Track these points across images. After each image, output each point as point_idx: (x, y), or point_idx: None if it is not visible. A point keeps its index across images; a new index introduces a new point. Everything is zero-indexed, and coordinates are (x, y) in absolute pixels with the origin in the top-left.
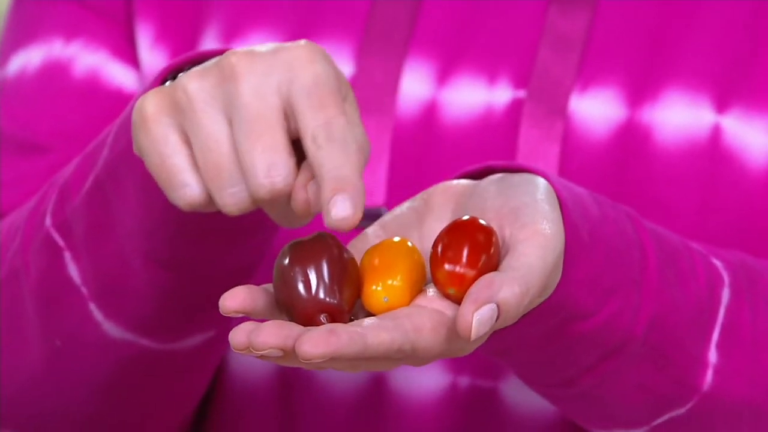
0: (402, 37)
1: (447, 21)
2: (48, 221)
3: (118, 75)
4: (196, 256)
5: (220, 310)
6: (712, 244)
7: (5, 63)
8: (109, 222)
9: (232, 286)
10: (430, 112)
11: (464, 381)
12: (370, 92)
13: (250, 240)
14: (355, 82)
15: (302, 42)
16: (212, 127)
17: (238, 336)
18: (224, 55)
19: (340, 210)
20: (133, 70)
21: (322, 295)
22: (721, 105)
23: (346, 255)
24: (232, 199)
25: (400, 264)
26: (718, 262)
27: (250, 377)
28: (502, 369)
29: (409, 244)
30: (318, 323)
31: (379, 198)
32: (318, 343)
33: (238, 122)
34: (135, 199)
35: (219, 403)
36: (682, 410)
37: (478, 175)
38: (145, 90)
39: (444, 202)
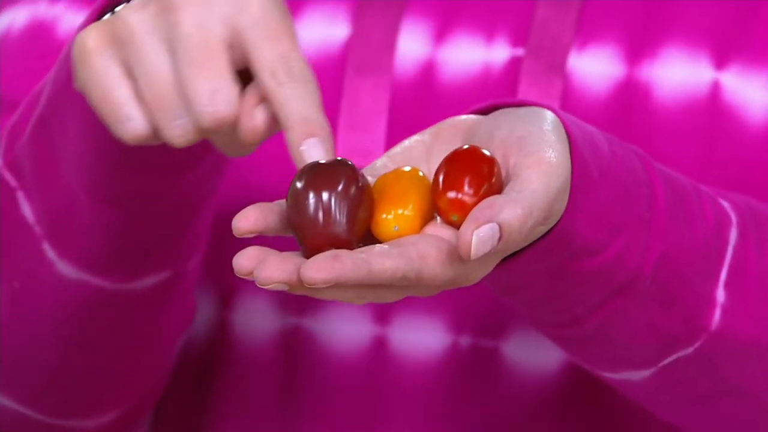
0: None
1: None
2: (0, 161)
3: None
4: (139, 191)
5: (233, 231)
6: None
7: None
8: (55, 158)
9: (182, 224)
10: (427, 71)
11: (466, 340)
12: (368, 52)
13: (193, 173)
14: (352, 43)
15: None
16: (155, 58)
17: (242, 261)
18: None
19: (314, 155)
20: None
21: (332, 227)
22: (720, 61)
23: (361, 182)
24: (178, 131)
25: (412, 193)
26: (725, 203)
27: (252, 337)
28: (503, 328)
29: (421, 173)
30: None
31: (377, 157)
32: (322, 268)
33: (179, 52)
34: (76, 134)
35: (222, 362)
36: (689, 350)
37: (485, 112)
38: (84, 24)
39: (452, 135)
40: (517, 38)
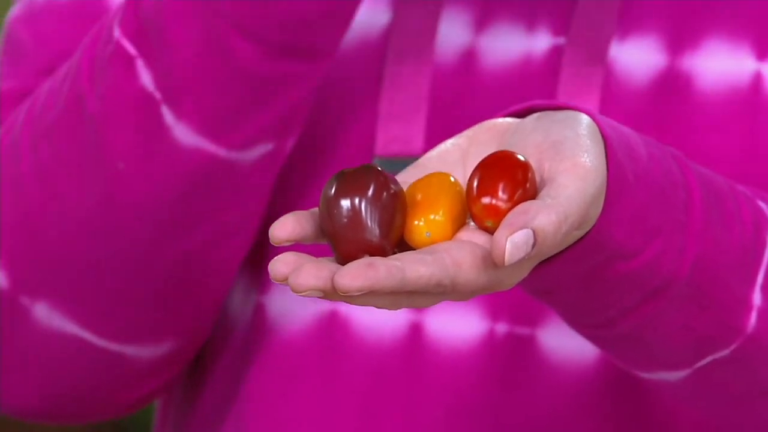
0: None
1: None
2: (117, 33)
3: None
4: (282, 22)
5: (270, 240)
6: None
7: None
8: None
9: (290, 99)
10: (468, 59)
11: (502, 328)
12: (408, 39)
13: (321, 61)
14: (393, 30)
15: None
16: None
17: (278, 267)
18: None
19: None
20: None
21: (365, 234)
22: (763, 52)
23: (393, 187)
24: None
25: (443, 198)
26: (763, 205)
27: (288, 322)
28: (539, 316)
29: (452, 178)
30: None
31: (417, 145)
32: (356, 276)
33: None
34: None
35: (257, 347)
36: (725, 352)
37: (522, 114)
38: None
39: (488, 139)
40: (559, 27)
